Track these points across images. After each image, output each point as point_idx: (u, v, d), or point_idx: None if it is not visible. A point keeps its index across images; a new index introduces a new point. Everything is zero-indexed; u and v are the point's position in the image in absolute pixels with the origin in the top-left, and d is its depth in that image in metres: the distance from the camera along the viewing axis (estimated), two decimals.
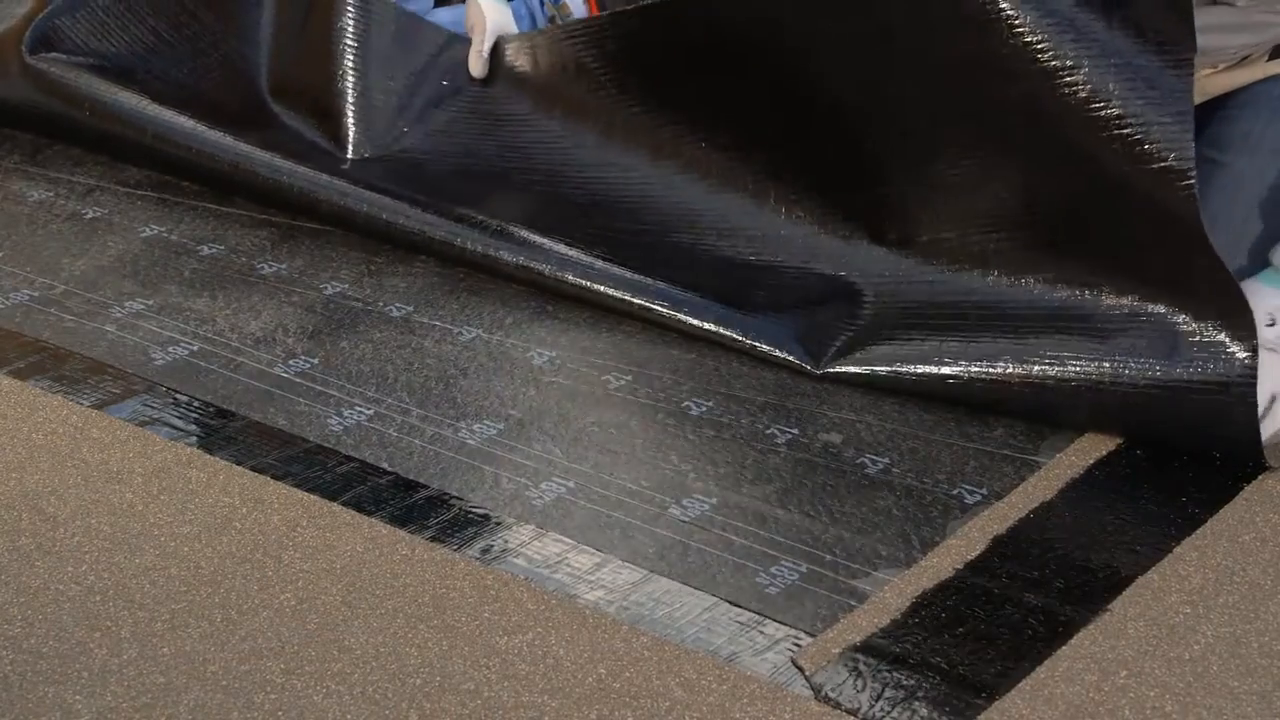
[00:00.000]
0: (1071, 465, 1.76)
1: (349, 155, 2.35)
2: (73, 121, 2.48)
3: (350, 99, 2.37)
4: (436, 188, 2.25)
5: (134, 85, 2.44)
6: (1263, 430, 1.70)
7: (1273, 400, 1.70)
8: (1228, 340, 1.70)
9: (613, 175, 2.19)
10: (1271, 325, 1.72)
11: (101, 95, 2.43)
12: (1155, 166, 1.69)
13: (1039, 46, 1.72)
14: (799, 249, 2.04)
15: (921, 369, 1.85)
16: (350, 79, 2.38)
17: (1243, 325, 1.69)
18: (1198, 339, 1.72)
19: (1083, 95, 1.71)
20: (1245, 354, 1.69)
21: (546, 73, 2.27)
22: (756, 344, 1.94)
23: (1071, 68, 1.71)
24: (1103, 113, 1.70)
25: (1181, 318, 1.74)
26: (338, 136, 2.37)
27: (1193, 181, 1.67)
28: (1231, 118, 1.97)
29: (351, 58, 2.38)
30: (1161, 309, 1.75)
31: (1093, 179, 1.76)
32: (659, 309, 2.01)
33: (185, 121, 2.37)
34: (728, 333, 1.96)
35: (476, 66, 2.34)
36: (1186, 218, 1.68)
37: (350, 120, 2.36)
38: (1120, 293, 1.78)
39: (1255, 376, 1.68)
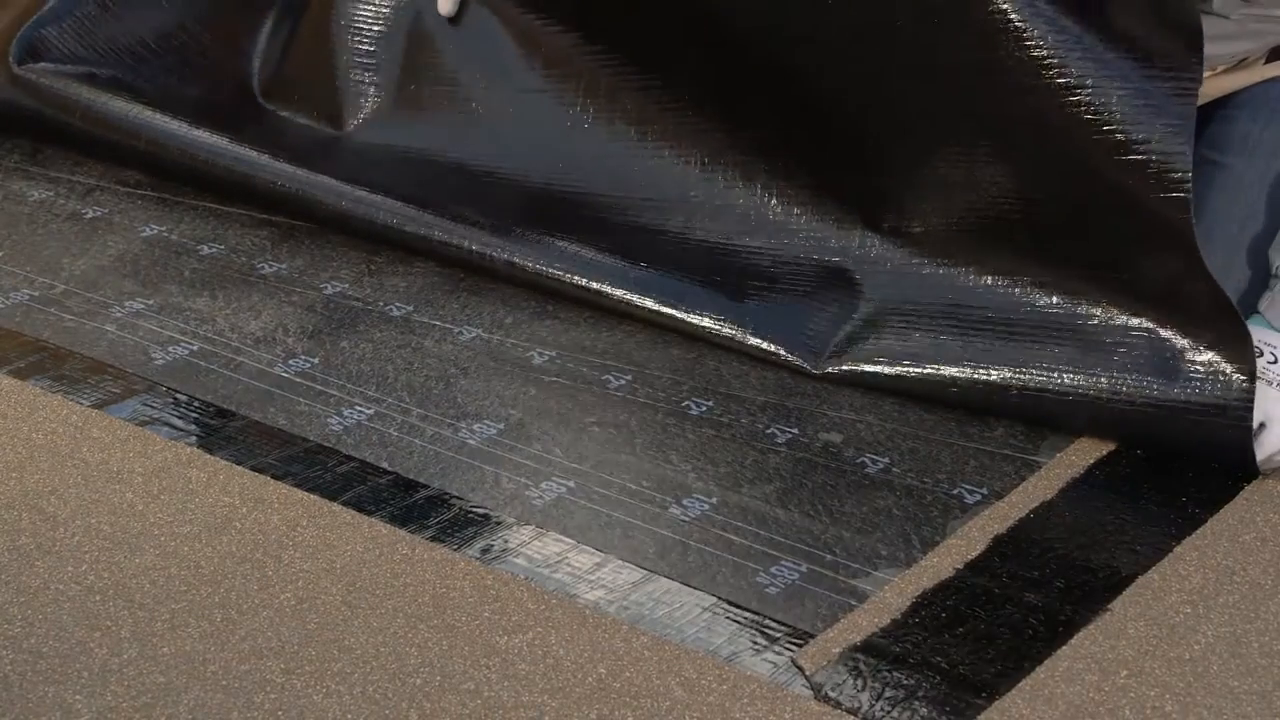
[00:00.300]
0: (1072, 465, 1.76)
1: (345, 130, 2.36)
2: (65, 128, 2.48)
3: (341, 74, 2.37)
4: (428, 180, 2.25)
5: (124, 92, 2.44)
6: (1257, 453, 1.71)
7: (1261, 426, 1.71)
8: (1225, 364, 1.70)
9: (597, 145, 2.18)
10: (1259, 355, 1.73)
11: (93, 102, 2.43)
12: (1157, 196, 1.68)
13: (1046, 61, 1.71)
14: (792, 232, 2.03)
15: (920, 370, 1.85)
16: (342, 56, 2.38)
17: (1241, 350, 1.69)
18: (1196, 360, 1.72)
19: (1087, 116, 1.70)
20: (1242, 379, 1.69)
21: (525, 28, 2.25)
22: (756, 342, 1.94)
23: (1075, 86, 1.70)
24: (1105, 133, 1.69)
25: (1180, 337, 1.73)
26: (331, 115, 2.37)
27: (1190, 215, 1.66)
28: (1230, 118, 1.97)
29: (345, 38, 2.38)
30: (1159, 327, 1.75)
31: (1093, 194, 1.76)
32: (657, 308, 2.00)
33: (179, 126, 2.37)
34: (726, 330, 1.96)
35: (445, 5, 2.32)
36: (1186, 242, 1.67)
37: (343, 96, 2.37)
38: (1118, 307, 1.78)
39: (1252, 401, 1.68)
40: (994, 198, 1.85)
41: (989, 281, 1.87)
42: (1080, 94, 1.70)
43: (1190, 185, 1.66)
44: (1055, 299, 1.83)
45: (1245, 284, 1.85)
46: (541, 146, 2.22)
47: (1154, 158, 1.68)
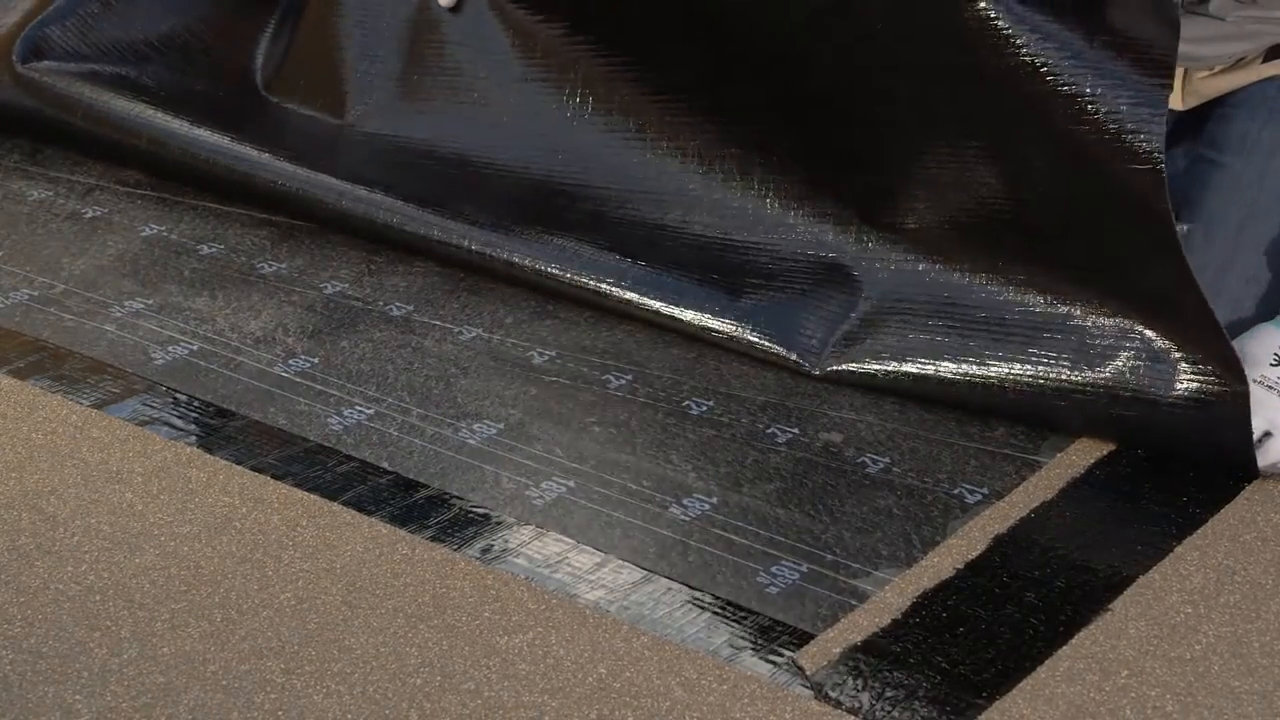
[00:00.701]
0: (1072, 465, 1.76)
1: (347, 120, 2.36)
2: (67, 128, 2.48)
3: (344, 64, 2.37)
4: (428, 173, 2.25)
5: (126, 90, 2.44)
6: (1258, 460, 1.70)
7: (1267, 435, 1.70)
8: (1218, 372, 1.69)
9: (596, 138, 2.17)
10: (1277, 365, 1.72)
11: (94, 102, 2.43)
12: (1146, 204, 1.67)
13: (1030, 62, 1.70)
14: (790, 229, 2.03)
15: (918, 369, 1.85)
16: (345, 47, 2.38)
17: (1231, 360, 1.68)
18: (1189, 366, 1.71)
19: (1076, 122, 1.68)
20: (1236, 387, 1.68)
21: (523, 20, 2.24)
22: (755, 340, 1.94)
23: (1061, 87, 1.69)
24: (1093, 136, 1.68)
25: (1174, 343, 1.72)
26: (334, 105, 2.38)
27: (1174, 228, 1.65)
28: (1228, 117, 1.97)
29: (349, 28, 2.38)
30: (1154, 333, 1.74)
31: (1084, 198, 1.75)
32: (656, 306, 2.00)
33: (180, 125, 2.37)
34: (725, 329, 1.96)
35: None
36: (1177, 263, 1.66)
37: (345, 86, 2.37)
38: (1111, 310, 1.77)
39: (1248, 413, 1.67)
40: (985, 197, 1.85)
41: (984, 280, 1.87)
42: (1064, 91, 1.69)
43: (1167, 194, 1.64)
44: (1049, 300, 1.82)
45: (1245, 283, 1.85)
46: (540, 138, 2.22)
47: (1148, 180, 1.67)
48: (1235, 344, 1.71)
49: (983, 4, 1.71)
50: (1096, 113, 1.67)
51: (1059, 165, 1.75)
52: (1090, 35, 1.70)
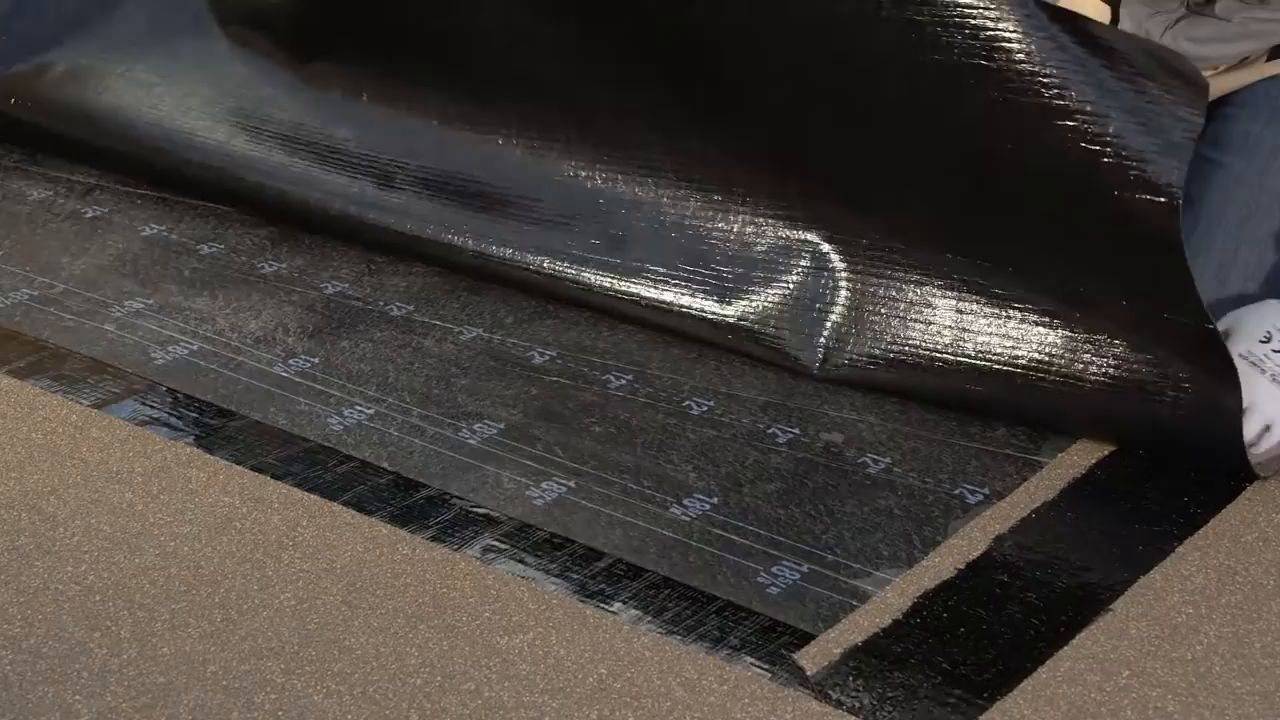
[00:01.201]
0: (1073, 465, 1.76)
1: (306, 66, 2.34)
2: (62, 138, 2.49)
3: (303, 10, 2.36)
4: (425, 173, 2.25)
5: (102, 81, 2.44)
6: (1259, 452, 1.69)
7: (1266, 429, 1.69)
8: (1215, 390, 1.68)
9: (580, 139, 2.17)
10: (1266, 341, 1.71)
11: (86, 106, 2.44)
12: (1149, 223, 1.66)
13: (1031, 73, 1.70)
14: (776, 231, 2.02)
15: (918, 365, 1.85)
16: None
17: (1226, 384, 1.67)
18: (1182, 376, 1.71)
19: (1087, 145, 1.67)
20: (1230, 403, 1.67)
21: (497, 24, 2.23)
22: (753, 335, 1.94)
23: (1062, 97, 1.68)
24: (1114, 170, 1.67)
25: (1172, 355, 1.72)
26: (293, 45, 2.35)
27: (1183, 247, 1.64)
28: (1230, 117, 1.97)
29: None
30: (1149, 339, 1.74)
31: (1083, 209, 1.74)
32: (649, 301, 2.00)
33: (178, 127, 2.37)
34: (722, 325, 1.96)
35: None
36: (1181, 285, 1.65)
37: (304, 31, 2.34)
38: (1108, 315, 1.77)
39: (1240, 422, 1.67)
40: (983, 198, 1.84)
41: (980, 278, 1.86)
42: (1065, 102, 1.68)
43: (1180, 223, 1.63)
44: (1046, 298, 1.81)
45: (1246, 282, 1.85)
46: (488, 143, 2.20)
47: (1143, 191, 1.66)
48: (1236, 314, 1.72)
49: (1007, 22, 1.69)
50: (1110, 140, 1.66)
51: (1066, 176, 1.74)
52: (1117, 69, 1.68)
